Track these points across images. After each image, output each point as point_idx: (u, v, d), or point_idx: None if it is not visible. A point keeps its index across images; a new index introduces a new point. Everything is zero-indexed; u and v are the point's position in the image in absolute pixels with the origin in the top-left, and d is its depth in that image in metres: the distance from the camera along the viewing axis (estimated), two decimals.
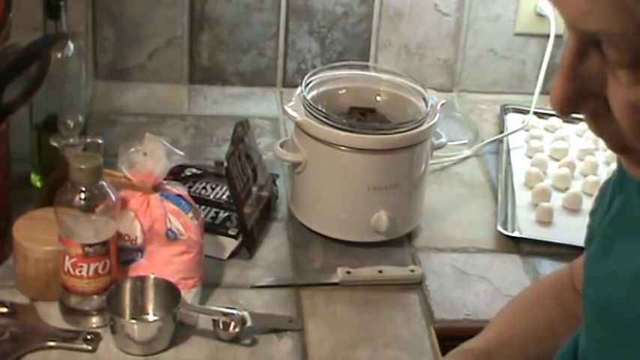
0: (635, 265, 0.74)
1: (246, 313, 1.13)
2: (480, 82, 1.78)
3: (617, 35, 0.56)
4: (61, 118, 1.22)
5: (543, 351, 0.97)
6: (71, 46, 1.32)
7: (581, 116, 0.65)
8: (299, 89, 1.32)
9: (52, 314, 1.14)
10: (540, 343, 0.99)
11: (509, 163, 1.53)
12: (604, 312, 0.78)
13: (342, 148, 1.26)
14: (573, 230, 1.32)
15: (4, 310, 1.13)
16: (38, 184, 1.36)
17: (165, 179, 1.15)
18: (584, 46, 0.61)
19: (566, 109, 0.63)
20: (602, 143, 1.58)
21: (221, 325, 1.11)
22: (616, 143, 0.65)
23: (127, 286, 1.13)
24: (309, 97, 1.30)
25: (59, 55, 1.29)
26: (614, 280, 0.77)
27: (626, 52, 0.57)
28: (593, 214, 0.89)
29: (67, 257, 1.09)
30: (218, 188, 1.36)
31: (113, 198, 1.09)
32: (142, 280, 1.14)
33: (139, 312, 1.13)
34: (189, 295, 1.15)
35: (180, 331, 1.12)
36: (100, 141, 1.25)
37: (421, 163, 1.31)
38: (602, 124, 0.64)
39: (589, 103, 0.63)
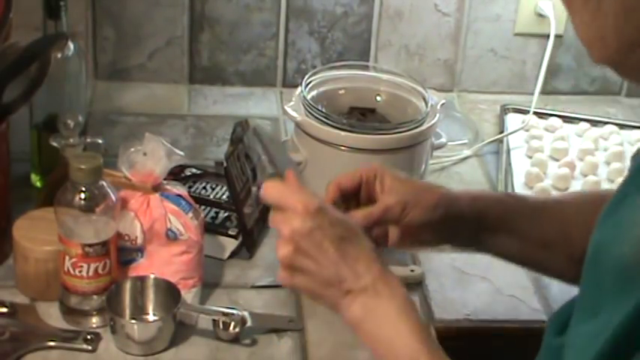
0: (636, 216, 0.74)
1: (246, 313, 1.13)
2: (480, 82, 1.78)
3: None
4: (61, 118, 1.22)
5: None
6: (71, 46, 1.31)
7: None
8: (299, 89, 1.32)
9: (52, 314, 1.14)
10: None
11: (509, 163, 1.53)
12: (599, 256, 0.79)
13: (342, 148, 1.26)
14: None
15: (4, 310, 1.13)
16: (38, 184, 1.36)
17: (165, 179, 1.15)
18: None
19: None
20: (601, 143, 1.59)
21: (221, 325, 1.11)
22: None
23: (127, 286, 1.13)
24: (309, 97, 1.30)
25: (59, 55, 1.29)
26: (616, 227, 0.77)
27: None
28: (634, 157, 0.88)
29: (67, 257, 1.09)
30: (218, 188, 1.36)
31: (113, 198, 1.09)
32: (142, 280, 1.14)
33: (139, 312, 1.13)
34: (189, 295, 1.15)
35: (180, 331, 1.11)
36: (100, 141, 1.25)
37: (421, 163, 1.31)
38: None
39: None
